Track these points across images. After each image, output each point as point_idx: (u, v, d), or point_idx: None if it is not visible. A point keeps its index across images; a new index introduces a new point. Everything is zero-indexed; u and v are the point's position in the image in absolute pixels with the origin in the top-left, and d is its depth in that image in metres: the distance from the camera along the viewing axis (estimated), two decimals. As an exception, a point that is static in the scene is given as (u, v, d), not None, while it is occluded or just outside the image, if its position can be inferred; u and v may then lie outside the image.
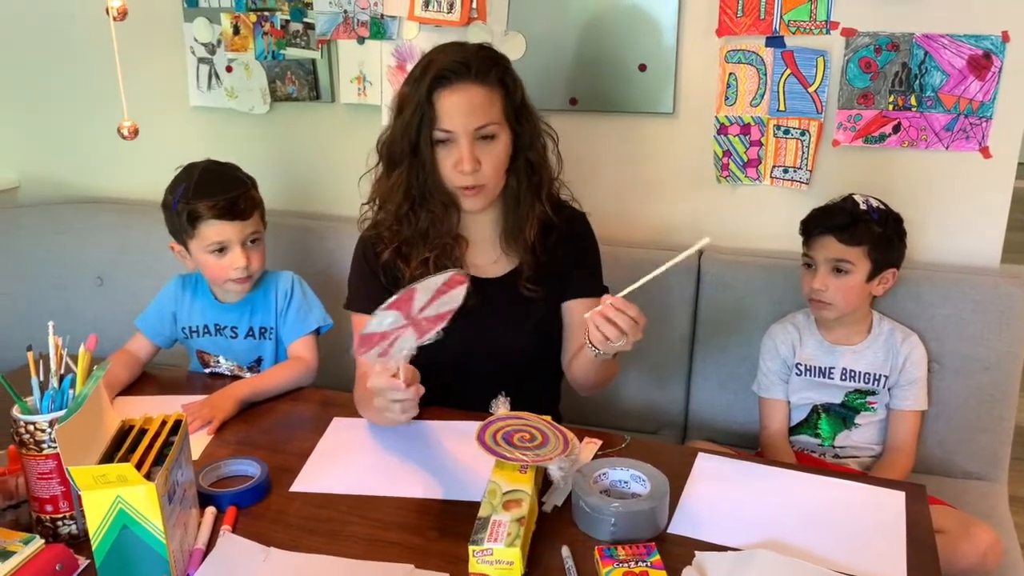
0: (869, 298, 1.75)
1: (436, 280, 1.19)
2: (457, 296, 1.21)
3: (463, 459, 1.38)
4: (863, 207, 1.67)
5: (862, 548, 1.17)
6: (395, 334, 1.20)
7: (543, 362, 1.65)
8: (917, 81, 1.82)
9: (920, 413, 1.78)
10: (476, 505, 1.16)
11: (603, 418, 2.02)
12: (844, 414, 1.77)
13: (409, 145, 1.46)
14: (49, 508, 1.16)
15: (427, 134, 1.44)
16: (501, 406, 1.32)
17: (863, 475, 1.67)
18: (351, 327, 1.62)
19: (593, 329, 1.30)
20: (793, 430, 1.81)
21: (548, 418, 1.30)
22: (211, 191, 1.64)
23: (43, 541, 1.11)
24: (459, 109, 1.43)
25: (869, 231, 1.66)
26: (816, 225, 1.71)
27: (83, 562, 1.12)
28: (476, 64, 1.44)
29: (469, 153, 1.43)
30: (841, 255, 1.67)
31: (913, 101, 1.84)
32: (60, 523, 1.17)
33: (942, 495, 1.68)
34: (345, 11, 2.13)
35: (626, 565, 1.09)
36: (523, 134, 1.51)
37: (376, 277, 1.57)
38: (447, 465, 1.37)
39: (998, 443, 1.85)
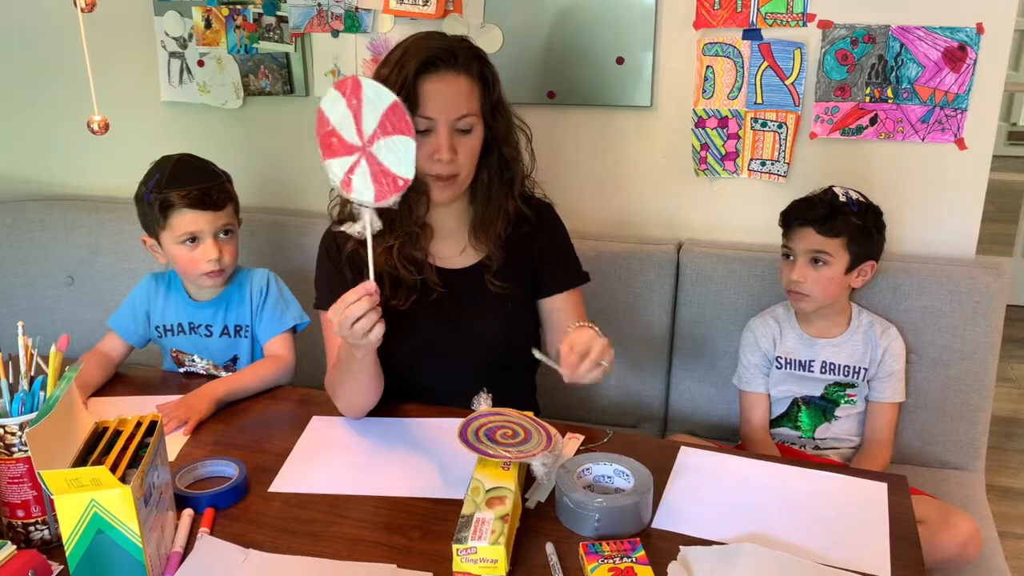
0: (848, 290, 1.75)
1: (382, 99, 1.19)
2: (407, 156, 1.20)
3: (445, 456, 1.36)
4: (843, 199, 1.68)
5: (846, 539, 1.17)
6: (353, 164, 1.19)
7: (513, 353, 1.64)
8: (893, 73, 1.83)
9: (898, 405, 1.79)
10: (459, 503, 1.15)
11: (583, 412, 2.01)
12: (824, 406, 1.78)
13: None
14: (20, 513, 1.13)
15: None
16: (483, 402, 1.30)
17: (845, 467, 1.67)
18: (322, 329, 1.60)
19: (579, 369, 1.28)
20: (773, 423, 1.81)
21: (530, 414, 1.29)
22: (184, 181, 1.62)
23: (14, 547, 1.08)
24: (443, 97, 1.41)
25: (848, 223, 1.66)
26: (795, 216, 1.71)
27: (57, 568, 1.09)
28: (462, 54, 1.43)
29: (447, 143, 1.42)
30: (820, 247, 1.67)
31: (889, 93, 1.85)
32: (32, 528, 1.14)
33: (921, 485, 1.69)
34: (319, 4, 2.11)
35: (611, 561, 1.08)
36: (497, 129, 1.49)
37: (340, 273, 1.55)
38: (429, 463, 1.36)
39: (975, 432, 1.86)
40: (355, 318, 1.20)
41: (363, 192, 1.22)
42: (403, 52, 1.43)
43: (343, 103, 1.20)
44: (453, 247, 1.56)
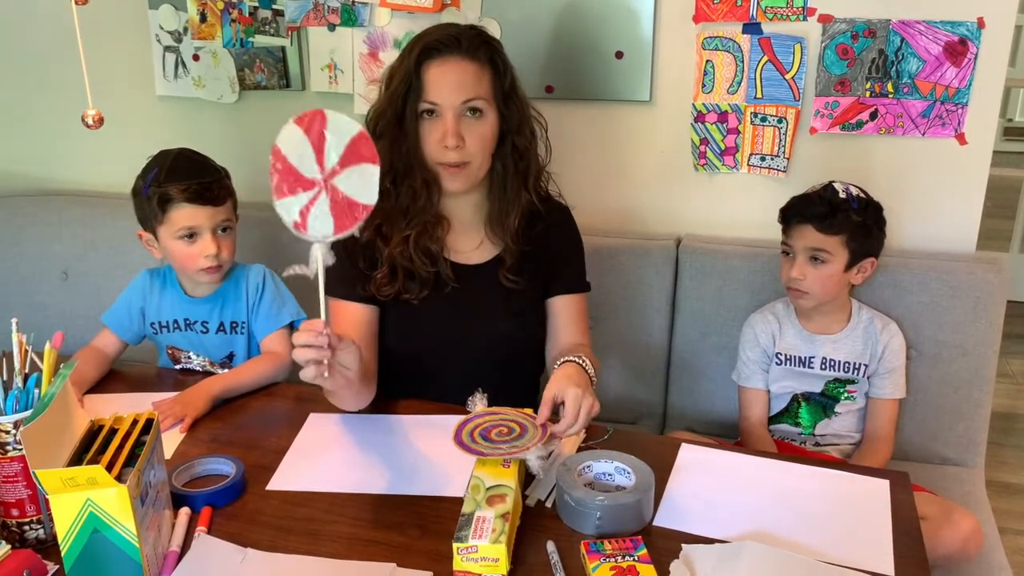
0: (848, 287, 1.74)
1: (346, 131, 1.10)
2: (371, 184, 1.11)
3: (445, 454, 1.35)
4: (843, 196, 1.66)
5: (849, 537, 1.16)
6: (310, 200, 1.10)
7: (523, 351, 1.63)
8: (894, 68, 1.82)
9: (898, 401, 1.78)
10: (459, 501, 1.14)
11: (582, 409, 2.00)
12: (824, 402, 1.77)
13: (394, 116, 1.44)
14: (15, 512, 1.12)
15: (413, 106, 1.42)
16: (478, 403, 1.29)
17: (847, 464, 1.67)
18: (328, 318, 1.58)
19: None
20: (773, 419, 1.80)
21: (529, 411, 1.28)
22: (184, 175, 1.61)
23: (9, 546, 1.07)
24: (446, 82, 1.41)
25: (848, 220, 1.65)
26: (795, 214, 1.70)
27: (52, 568, 1.08)
28: (467, 40, 1.43)
29: (454, 128, 1.41)
30: (819, 244, 1.66)
31: (890, 88, 1.84)
32: (27, 528, 1.13)
33: (921, 481, 1.68)
34: (315, -3, 2.09)
35: (613, 559, 1.07)
36: (511, 118, 1.49)
37: (353, 260, 1.54)
38: (429, 460, 1.35)
39: (975, 429, 1.86)
40: (303, 361, 1.13)
41: (320, 228, 1.12)
42: (413, 42, 1.44)
43: (303, 138, 1.11)
44: (470, 241, 1.56)
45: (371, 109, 1.51)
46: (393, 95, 1.43)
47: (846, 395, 1.76)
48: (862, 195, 1.69)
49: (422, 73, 1.41)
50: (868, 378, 1.76)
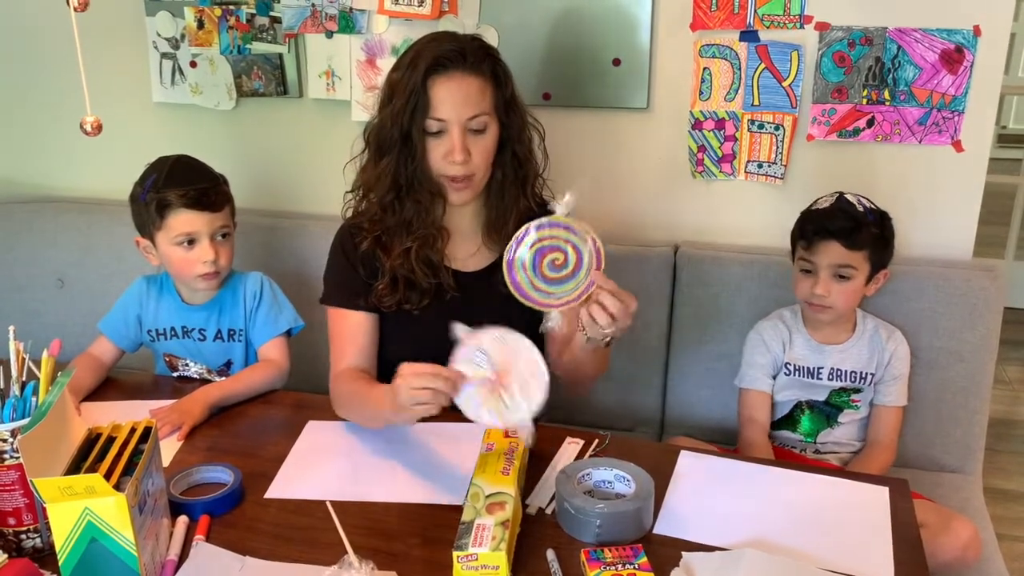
0: (860, 299, 1.74)
1: None
2: None
3: (444, 461, 1.35)
4: (860, 208, 1.65)
5: (849, 544, 1.16)
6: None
7: None
8: (890, 75, 1.83)
9: (902, 409, 1.77)
10: (458, 509, 1.14)
11: (578, 416, 2.00)
12: (828, 411, 1.76)
13: (399, 133, 1.43)
14: (12, 521, 1.11)
15: (419, 122, 1.42)
16: (560, 206, 1.26)
17: (846, 471, 1.66)
18: (326, 325, 1.58)
19: (584, 313, 1.28)
20: (775, 425, 1.79)
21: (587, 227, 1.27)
22: (182, 181, 1.61)
23: (6, 556, 1.07)
24: (453, 98, 1.41)
25: (870, 234, 1.64)
26: (818, 229, 1.65)
27: (49, 577, 1.08)
28: (471, 53, 1.42)
29: (460, 143, 1.41)
30: (845, 260, 1.63)
31: (887, 95, 1.84)
32: (24, 536, 1.12)
33: (918, 488, 1.68)
34: (313, 4, 2.09)
35: (613, 568, 1.07)
36: (511, 127, 1.49)
37: (354, 269, 1.54)
38: (428, 468, 1.35)
39: (972, 436, 1.86)
40: (422, 402, 1.20)
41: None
42: (414, 54, 1.43)
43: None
44: (467, 248, 1.56)
45: (370, 124, 1.51)
46: (398, 111, 1.42)
47: (850, 404, 1.75)
48: (873, 206, 1.68)
49: (428, 89, 1.40)
50: (874, 386, 1.75)
